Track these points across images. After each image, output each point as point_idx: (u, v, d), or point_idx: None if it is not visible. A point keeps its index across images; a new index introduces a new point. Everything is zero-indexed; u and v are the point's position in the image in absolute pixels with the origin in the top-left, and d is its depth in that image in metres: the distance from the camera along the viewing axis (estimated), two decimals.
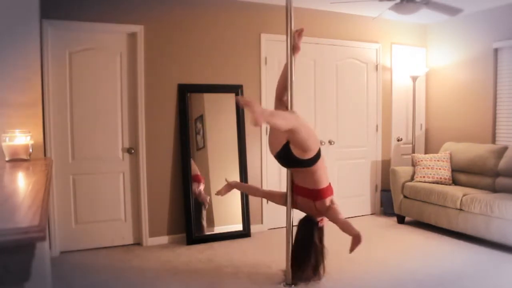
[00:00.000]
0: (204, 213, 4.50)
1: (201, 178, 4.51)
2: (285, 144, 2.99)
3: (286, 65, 3.27)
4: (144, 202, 4.34)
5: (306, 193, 3.23)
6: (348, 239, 4.61)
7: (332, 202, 3.24)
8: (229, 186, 3.62)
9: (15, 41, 2.46)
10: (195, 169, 4.51)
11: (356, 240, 2.95)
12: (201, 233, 4.45)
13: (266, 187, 4.83)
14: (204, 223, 4.49)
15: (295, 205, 3.33)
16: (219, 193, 3.62)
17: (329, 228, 4.68)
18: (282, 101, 3.37)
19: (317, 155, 3.06)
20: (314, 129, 3.39)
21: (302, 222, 3.30)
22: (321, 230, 3.31)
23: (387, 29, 5.58)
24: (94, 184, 4.22)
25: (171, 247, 4.30)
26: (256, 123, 2.52)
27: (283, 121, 2.78)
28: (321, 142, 5.21)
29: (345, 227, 3.07)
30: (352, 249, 3.00)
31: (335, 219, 3.13)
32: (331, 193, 3.26)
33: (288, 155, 3.01)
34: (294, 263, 3.25)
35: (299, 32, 3.25)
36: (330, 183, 3.27)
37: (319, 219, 3.28)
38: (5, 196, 1.35)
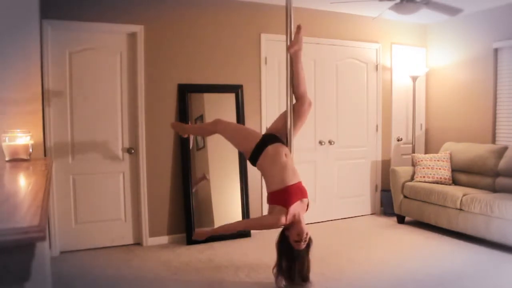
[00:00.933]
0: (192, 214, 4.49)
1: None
2: None
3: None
4: (144, 202, 4.34)
5: None
6: (347, 240, 4.62)
7: (273, 211, 2.98)
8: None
9: (15, 41, 2.46)
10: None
11: (198, 234, 3.20)
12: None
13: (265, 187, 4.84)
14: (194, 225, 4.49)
15: None
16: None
17: (329, 229, 4.69)
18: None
19: (251, 156, 3.15)
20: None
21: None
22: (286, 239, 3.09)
23: (387, 29, 5.57)
24: (94, 184, 4.21)
25: (171, 247, 4.29)
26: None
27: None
28: (321, 142, 5.21)
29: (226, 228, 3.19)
30: (194, 236, 3.29)
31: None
32: (278, 202, 2.96)
33: None
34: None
35: (296, 29, 3.23)
36: (280, 191, 2.99)
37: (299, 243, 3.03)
38: (5, 196, 1.35)
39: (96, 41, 4.16)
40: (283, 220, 2.93)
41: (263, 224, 3.09)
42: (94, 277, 3.50)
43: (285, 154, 3.13)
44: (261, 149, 3.08)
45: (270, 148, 3.08)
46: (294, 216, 2.98)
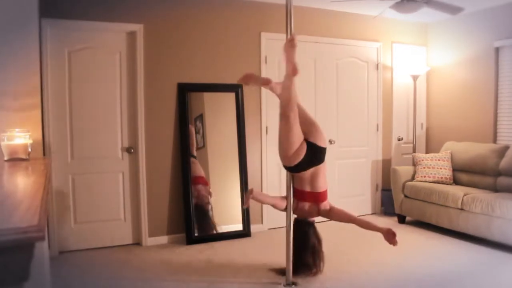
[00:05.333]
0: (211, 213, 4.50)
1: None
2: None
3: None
4: (143, 202, 4.33)
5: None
6: (347, 240, 4.61)
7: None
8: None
9: (14, 40, 2.45)
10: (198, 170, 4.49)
11: (388, 236, 3.09)
12: (208, 232, 4.44)
13: (266, 187, 4.83)
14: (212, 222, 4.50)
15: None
16: (245, 204, 3.47)
17: (329, 228, 4.68)
18: None
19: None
20: None
21: (297, 223, 3.46)
22: (314, 227, 3.53)
23: (388, 28, 5.56)
24: (94, 183, 4.20)
25: (171, 247, 4.28)
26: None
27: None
28: None
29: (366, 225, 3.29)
30: (393, 243, 3.09)
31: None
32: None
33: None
34: (294, 261, 3.31)
35: (290, 42, 2.97)
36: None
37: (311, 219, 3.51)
38: (4, 196, 1.34)
39: (95, 40, 4.14)
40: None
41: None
42: (94, 277, 3.48)
43: None
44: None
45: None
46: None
